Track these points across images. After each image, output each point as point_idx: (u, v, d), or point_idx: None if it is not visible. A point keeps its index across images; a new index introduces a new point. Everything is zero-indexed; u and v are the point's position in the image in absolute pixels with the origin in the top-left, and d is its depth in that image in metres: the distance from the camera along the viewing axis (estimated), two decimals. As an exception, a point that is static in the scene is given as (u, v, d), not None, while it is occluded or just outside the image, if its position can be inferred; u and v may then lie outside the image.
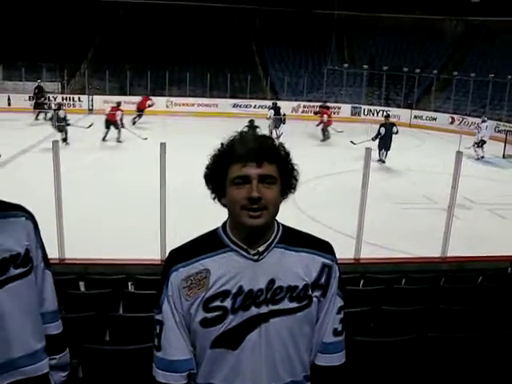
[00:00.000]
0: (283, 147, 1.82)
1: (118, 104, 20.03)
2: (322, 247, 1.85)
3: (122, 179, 12.72)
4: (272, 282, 1.74)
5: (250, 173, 1.69)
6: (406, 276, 5.93)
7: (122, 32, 32.71)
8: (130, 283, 5.42)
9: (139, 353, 2.91)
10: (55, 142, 6.75)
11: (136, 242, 8.05)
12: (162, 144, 6.37)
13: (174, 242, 2.06)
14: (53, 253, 5.86)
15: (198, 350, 1.78)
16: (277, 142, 1.81)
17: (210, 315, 1.72)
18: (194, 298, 1.73)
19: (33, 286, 2.09)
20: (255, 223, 1.69)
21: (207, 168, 1.80)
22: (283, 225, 1.86)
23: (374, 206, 8.34)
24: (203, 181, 1.82)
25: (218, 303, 1.72)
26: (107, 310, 4.16)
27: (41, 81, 26.36)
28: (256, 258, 1.75)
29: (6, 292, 1.97)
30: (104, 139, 19.01)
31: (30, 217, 2.13)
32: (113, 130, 19.06)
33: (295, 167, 1.82)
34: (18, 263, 2.02)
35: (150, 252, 6.79)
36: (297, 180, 1.82)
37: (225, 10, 35.20)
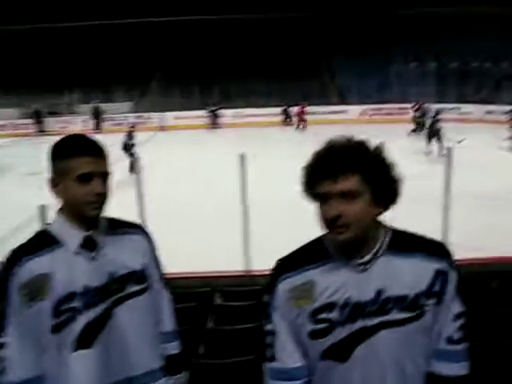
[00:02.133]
0: (378, 151, 1.67)
1: (303, 105, 26.09)
2: (436, 250, 1.73)
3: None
4: (380, 292, 1.66)
5: (325, 190, 1.61)
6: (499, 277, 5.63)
7: (187, 49, 33.46)
8: (216, 295, 5.39)
9: (238, 366, 2.88)
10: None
11: (215, 253, 8.01)
12: (241, 155, 6.36)
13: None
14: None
15: (308, 361, 1.73)
16: (368, 147, 1.66)
17: (317, 327, 1.68)
18: (300, 309, 1.69)
19: (149, 304, 2.11)
20: (340, 239, 1.62)
21: (301, 183, 1.72)
22: (394, 229, 1.75)
23: (457, 205, 7.99)
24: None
25: (324, 315, 1.67)
26: (195, 323, 4.15)
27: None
28: (362, 268, 1.67)
29: (124, 308, 2.00)
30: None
31: (147, 236, 2.18)
32: None
33: (392, 172, 1.67)
34: (135, 280, 2.05)
35: (231, 264, 6.77)
36: (398, 185, 1.68)
37: (285, 19, 35.32)
